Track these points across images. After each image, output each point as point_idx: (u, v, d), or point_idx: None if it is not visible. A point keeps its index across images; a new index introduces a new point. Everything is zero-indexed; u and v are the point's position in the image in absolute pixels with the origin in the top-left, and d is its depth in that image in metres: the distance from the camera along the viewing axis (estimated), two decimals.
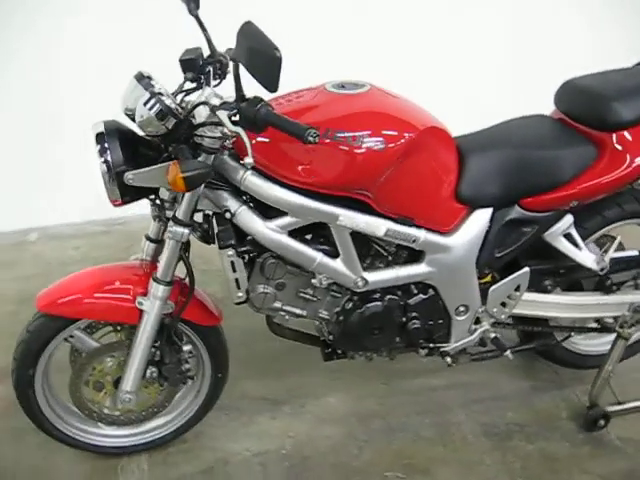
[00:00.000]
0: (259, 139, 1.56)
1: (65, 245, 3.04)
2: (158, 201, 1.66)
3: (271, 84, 1.35)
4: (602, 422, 2.05)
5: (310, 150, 1.54)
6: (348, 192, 1.61)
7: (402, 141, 1.59)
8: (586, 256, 1.86)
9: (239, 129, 1.41)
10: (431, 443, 2.02)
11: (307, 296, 1.78)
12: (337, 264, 1.70)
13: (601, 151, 1.78)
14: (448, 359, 1.92)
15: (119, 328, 1.84)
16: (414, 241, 1.71)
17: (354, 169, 1.57)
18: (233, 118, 1.46)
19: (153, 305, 1.67)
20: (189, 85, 1.68)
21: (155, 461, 1.96)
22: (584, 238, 1.92)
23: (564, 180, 1.76)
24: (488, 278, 1.88)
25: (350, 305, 1.79)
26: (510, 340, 2.14)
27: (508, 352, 1.90)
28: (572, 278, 1.94)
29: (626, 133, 1.77)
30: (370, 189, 1.62)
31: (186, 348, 1.85)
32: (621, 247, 2.07)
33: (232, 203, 1.62)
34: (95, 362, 1.81)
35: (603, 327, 2.07)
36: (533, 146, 1.79)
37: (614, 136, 1.77)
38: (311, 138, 1.35)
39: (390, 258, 1.77)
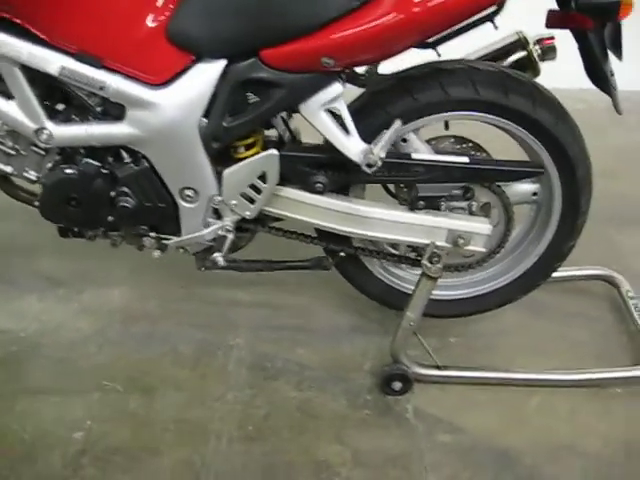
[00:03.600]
0: None
1: None
2: None
3: None
4: (398, 385, 1.54)
5: None
6: None
7: None
8: (352, 144, 1.32)
9: None
10: (181, 362, 1.64)
11: (5, 148, 1.44)
12: (9, 106, 1.34)
13: None
14: (156, 253, 1.50)
15: None
16: (102, 88, 1.30)
17: None
18: None
19: None
20: None
21: None
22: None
23: (313, 25, 1.22)
24: None
25: (50, 165, 1.43)
26: None
27: (217, 255, 1.43)
28: (343, 177, 1.40)
29: None
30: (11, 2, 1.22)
31: None
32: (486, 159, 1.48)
33: None
34: None
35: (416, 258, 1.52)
36: None
37: None
38: None
39: (93, 111, 1.37)
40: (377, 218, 1.42)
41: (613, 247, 2.09)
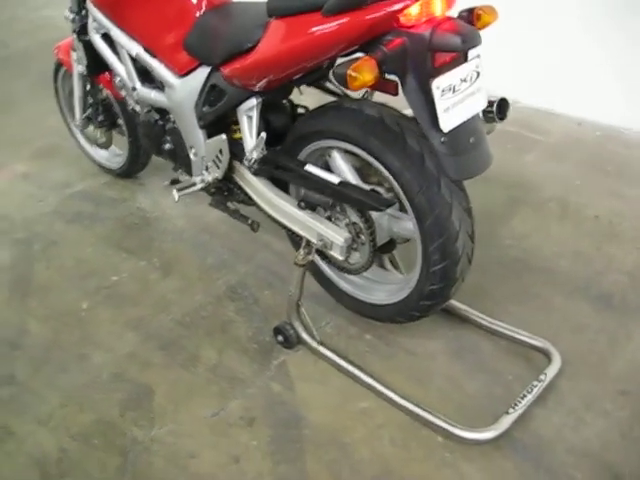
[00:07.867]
0: None
1: None
2: None
3: None
4: (280, 338, 1.94)
5: None
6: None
7: None
8: (249, 143, 1.81)
9: None
10: (133, 298, 2.20)
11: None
12: (120, 67, 2.19)
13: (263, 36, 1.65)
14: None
15: None
16: (152, 70, 2.04)
17: None
18: None
19: None
20: None
21: None
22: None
23: (231, 55, 1.75)
24: None
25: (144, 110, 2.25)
26: None
27: (174, 192, 2.00)
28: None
29: (283, 21, 1.59)
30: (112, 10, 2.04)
31: None
32: None
33: None
34: None
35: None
36: (227, 14, 1.85)
37: (273, 22, 1.62)
38: None
39: (156, 83, 2.11)
40: (278, 206, 1.85)
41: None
